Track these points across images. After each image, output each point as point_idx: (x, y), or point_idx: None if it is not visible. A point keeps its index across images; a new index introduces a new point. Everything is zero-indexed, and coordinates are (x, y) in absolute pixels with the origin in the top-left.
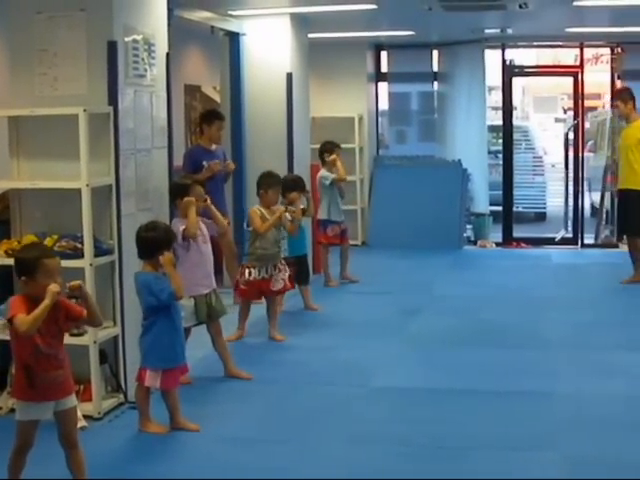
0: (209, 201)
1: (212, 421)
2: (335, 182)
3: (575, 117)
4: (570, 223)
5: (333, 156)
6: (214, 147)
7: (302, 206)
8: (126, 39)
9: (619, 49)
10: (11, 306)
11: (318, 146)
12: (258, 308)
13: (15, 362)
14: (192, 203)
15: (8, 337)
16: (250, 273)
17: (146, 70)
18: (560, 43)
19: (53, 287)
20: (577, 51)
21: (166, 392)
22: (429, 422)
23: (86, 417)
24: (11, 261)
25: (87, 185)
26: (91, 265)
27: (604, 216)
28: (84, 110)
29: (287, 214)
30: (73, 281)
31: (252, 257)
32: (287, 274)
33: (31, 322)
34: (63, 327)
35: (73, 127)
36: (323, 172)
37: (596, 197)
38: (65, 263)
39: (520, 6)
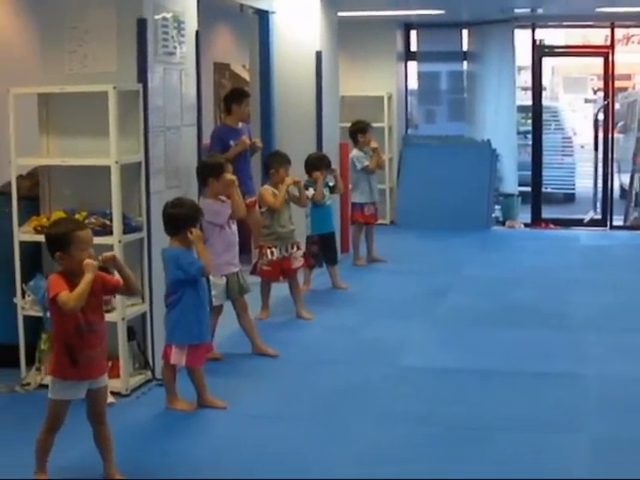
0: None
1: (239, 398)
2: (368, 170)
3: (605, 98)
4: (599, 204)
5: (374, 144)
6: (240, 125)
7: (330, 183)
8: (156, 17)
9: None
10: (51, 285)
11: (347, 125)
12: (280, 288)
13: (56, 341)
14: (234, 182)
15: (38, 313)
16: (272, 253)
17: (175, 48)
18: (590, 23)
19: (90, 261)
20: (607, 31)
21: (192, 370)
22: (456, 402)
23: (113, 393)
24: (40, 237)
25: (116, 162)
26: (120, 242)
27: (633, 198)
28: (114, 87)
29: (293, 187)
30: (106, 252)
31: (272, 237)
32: (302, 252)
33: (77, 298)
34: (102, 299)
35: (103, 104)
36: (355, 152)
37: (625, 178)
38: (95, 240)
39: None
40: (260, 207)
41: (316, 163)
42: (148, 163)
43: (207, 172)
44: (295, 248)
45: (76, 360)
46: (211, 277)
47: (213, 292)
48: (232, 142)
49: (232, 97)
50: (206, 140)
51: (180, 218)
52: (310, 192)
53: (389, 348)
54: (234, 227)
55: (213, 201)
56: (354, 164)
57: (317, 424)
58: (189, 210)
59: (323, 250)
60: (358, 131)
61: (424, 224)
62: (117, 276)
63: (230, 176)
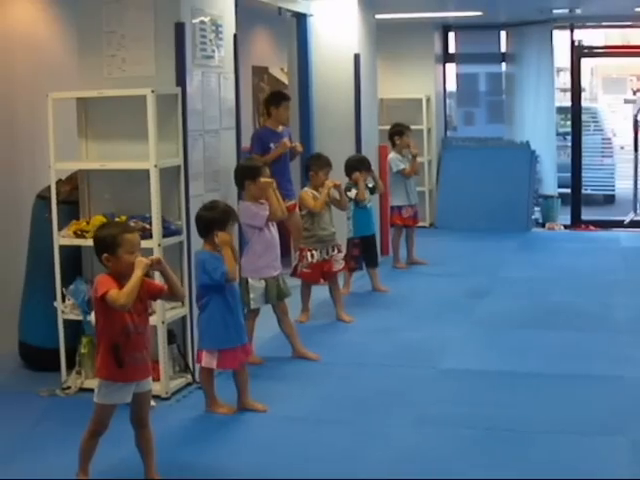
0: (274, 184)
1: (279, 401)
2: (403, 174)
3: None
4: (639, 206)
5: (414, 150)
6: (280, 128)
7: (370, 184)
8: (194, 21)
9: None
10: (100, 284)
11: (386, 128)
12: (320, 290)
13: (102, 342)
14: (271, 184)
15: (78, 317)
16: (312, 255)
17: (214, 51)
18: (630, 23)
19: (142, 259)
20: None
21: (235, 372)
22: (496, 405)
23: (154, 397)
24: (80, 241)
25: (155, 166)
26: (159, 245)
27: None
28: (152, 91)
29: (334, 190)
30: (152, 256)
31: (312, 239)
32: (343, 254)
33: (127, 294)
34: (147, 304)
35: (141, 108)
36: (392, 155)
37: None
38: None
39: None
40: (301, 210)
41: (356, 165)
42: (187, 166)
43: (244, 175)
44: (336, 251)
45: (122, 361)
46: (250, 280)
47: (251, 295)
48: (272, 145)
49: (271, 100)
50: (245, 143)
51: (207, 221)
52: (353, 193)
53: (428, 350)
54: (274, 230)
55: (251, 203)
56: (390, 167)
57: (357, 427)
58: (218, 214)
59: (364, 252)
60: (395, 134)
61: (464, 226)
62: (159, 280)
63: (265, 179)
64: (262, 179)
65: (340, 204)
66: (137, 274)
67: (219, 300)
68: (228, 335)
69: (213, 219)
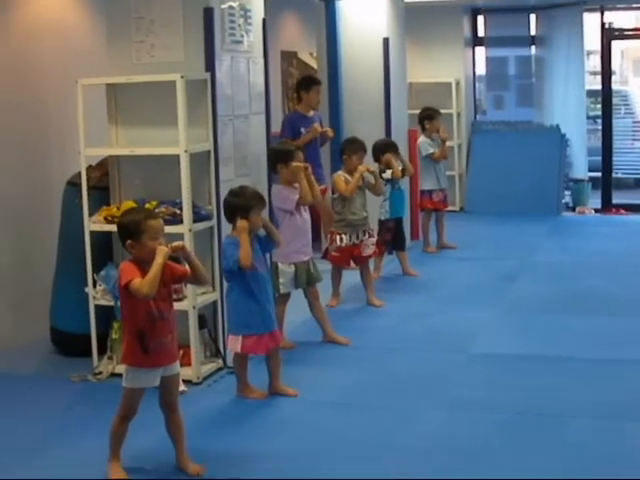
0: (310, 169)
1: (310, 386)
2: (432, 158)
3: None
4: None
5: (444, 135)
6: (311, 113)
7: (400, 167)
8: (222, 6)
9: None
10: (123, 272)
11: (415, 112)
12: (351, 275)
13: (127, 328)
14: (302, 169)
15: (109, 303)
16: (341, 239)
17: (243, 36)
18: None
19: (162, 247)
20: None
21: (267, 356)
22: (528, 389)
23: (185, 381)
24: (111, 227)
25: (185, 151)
26: (190, 231)
27: None
28: (181, 77)
29: (368, 174)
30: (175, 242)
31: (342, 223)
32: (375, 239)
33: (150, 283)
34: (171, 289)
35: (171, 94)
36: (422, 139)
37: None
38: (165, 229)
39: None
40: (333, 193)
41: (383, 147)
42: (217, 152)
43: (277, 158)
44: (367, 235)
45: (147, 347)
46: (279, 264)
47: (280, 280)
48: (303, 129)
49: (302, 84)
50: (275, 128)
51: (230, 207)
52: (388, 173)
53: (459, 335)
54: (306, 214)
55: (283, 187)
56: (420, 151)
57: (388, 412)
58: (242, 200)
59: (393, 236)
60: (425, 118)
61: (494, 210)
62: (186, 266)
63: (297, 163)
64: (294, 163)
65: (375, 189)
66: (158, 262)
67: (241, 286)
68: (251, 321)
69: (237, 205)
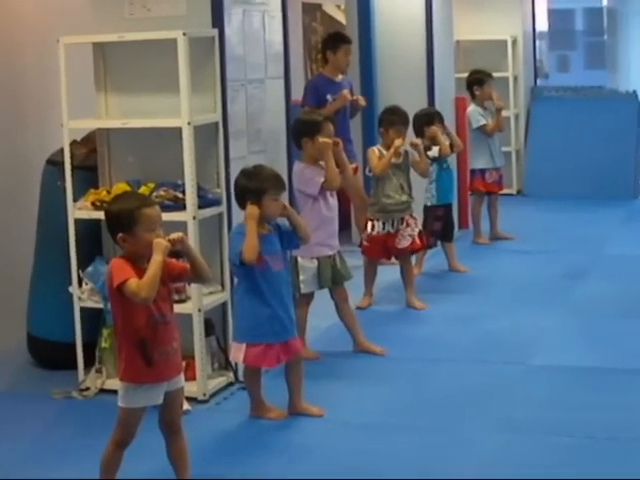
0: (341, 145)
1: (338, 405)
2: (485, 130)
3: None
4: None
5: (499, 102)
6: (340, 77)
7: (446, 143)
8: None
9: None
10: (115, 272)
11: (463, 75)
12: (387, 271)
13: (124, 338)
14: (329, 146)
15: (97, 305)
16: (373, 227)
17: None
18: None
19: (160, 240)
20: None
21: (287, 369)
22: (598, 409)
23: (189, 399)
24: (99, 214)
25: (189, 123)
26: (194, 218)
27: None
28: (184, 34)
29: (412, 150)
30: (173, 233)
31: (374, 207)
32: (417, 230)
33: (149, 285)
34: (170, 288)
35: (171, 54)
36: (472, 108)
37: None
38: (164, 216)
39: None
40: (370, 171)
41: (426, 120)
42: (226, 124)
43: (301, 131)
44: (404, 224)
45: (151, 359)
46: (299, 259)
47: (301, 277)
48: (329, 97)
49: (329, 43)
50: (296, 96)
51: (242, 189)
52: (434, 151)
53: (516, 343)
54: (333, 200)
55: (306, 165)
56: (470, 122)
57: (432, 435)
58: (256, 181)
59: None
60: (474, 83)
61: (557, 194)
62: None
63: (324, 139)
64: (320, 138)
65: (420, 168)
66: (157, 260)
67: (248, 285)
68: (257, 328)
69: (247, 188)
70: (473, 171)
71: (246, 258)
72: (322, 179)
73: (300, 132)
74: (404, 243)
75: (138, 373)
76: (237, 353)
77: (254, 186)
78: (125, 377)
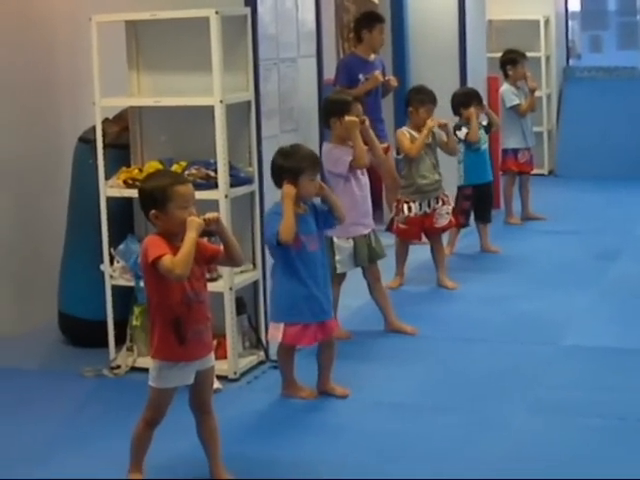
0: (368, 123)
1: (368, 384)
2: (518, 110)
3: None
4: None
5: (532, 82)
6: (372, 57)
7: (484, 122)
8: None
9: None
10: (150, 247)
11: (496, 55)
12: (418, 250)
13: (156, 316)
14: (356, 125)
15: (129, 283)
16: (410, 208)
17: None
18: None
19: (194, 218)
20: None
21: (320, 348)
22: (631, 390)
23: (220, 378)
24: (132, 192)
25: (221, 101)
26: (226, 197)
27: None
28: (216, 12)
29: (440, 130)
30: (208, 213)
31: (410, 189)
32: (451, 207)
33: (184, 262)
34: (204, 268)
35: (203, 33)
36: (505, 87)
37: None
38: (196, 195)
39: None
40: (398, 153)
41: (464, 100)
42: (259, 102)
43: (330, 111)
44: (440, 203)
45: (184, 337)
46: (335, 239)
47: (337, 257)
48: (361, 76)
49: (363, 22)
50: (328, 75)
51: (278, 169)
52: (463, 132)
53: (548, 324)
54: (364, 178)
55: (334, 146)
56: (503, 102)
57: (463, 416)
58: (293, 160)
59: (475, 204)
60: (508, 63)
61: (590, 174)
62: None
63: (351, 118)
64: (347, 117)
65: (448, 147)
66: (190, 236)
67: (285, 266)
68: (295, 308)
69: (283, 167)
70: (505, 151)
71: (283, 238)
72: (350, 157)
73: (329, 112)
74: (442, 222)
75: (171, 351)
76: (275, 332)
77: (291, 165)
78: (158, 355)
